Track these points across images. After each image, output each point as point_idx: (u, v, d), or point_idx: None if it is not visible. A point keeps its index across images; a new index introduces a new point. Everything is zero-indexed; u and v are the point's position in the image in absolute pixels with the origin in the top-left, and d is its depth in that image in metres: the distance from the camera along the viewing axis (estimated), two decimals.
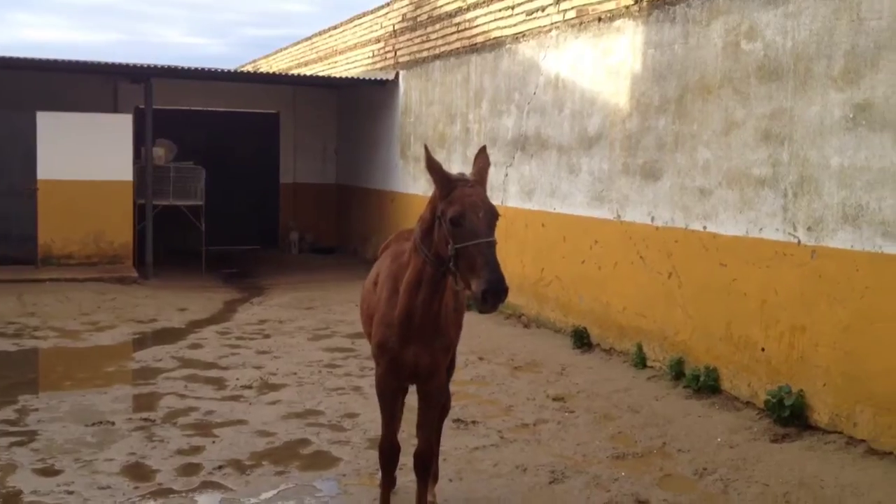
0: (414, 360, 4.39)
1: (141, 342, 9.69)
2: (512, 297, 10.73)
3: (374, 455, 6.00)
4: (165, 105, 15.44)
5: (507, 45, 10.75)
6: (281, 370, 8.40)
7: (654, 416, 6.98)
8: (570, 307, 9.46)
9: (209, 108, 16.88)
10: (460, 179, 4.15)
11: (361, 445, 6.27)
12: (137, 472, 5.70)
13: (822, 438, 6.20)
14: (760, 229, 6.80)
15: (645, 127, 8.17)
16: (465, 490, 5.49)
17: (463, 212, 3.95)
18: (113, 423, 6.66)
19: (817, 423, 6.30)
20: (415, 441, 4.79)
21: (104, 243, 13.48)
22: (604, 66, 8.84)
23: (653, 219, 8.04)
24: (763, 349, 6.78)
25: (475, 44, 11.52)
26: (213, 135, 16.82)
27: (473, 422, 6.85)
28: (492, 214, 4.03)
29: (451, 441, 6.33)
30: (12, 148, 13.15)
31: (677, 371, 7.66)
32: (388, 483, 4.78)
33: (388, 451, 4.66)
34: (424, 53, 13.12)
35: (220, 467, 5.80)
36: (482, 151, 4.29)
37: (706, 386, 7.29)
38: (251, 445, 6.25)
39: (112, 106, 15.15)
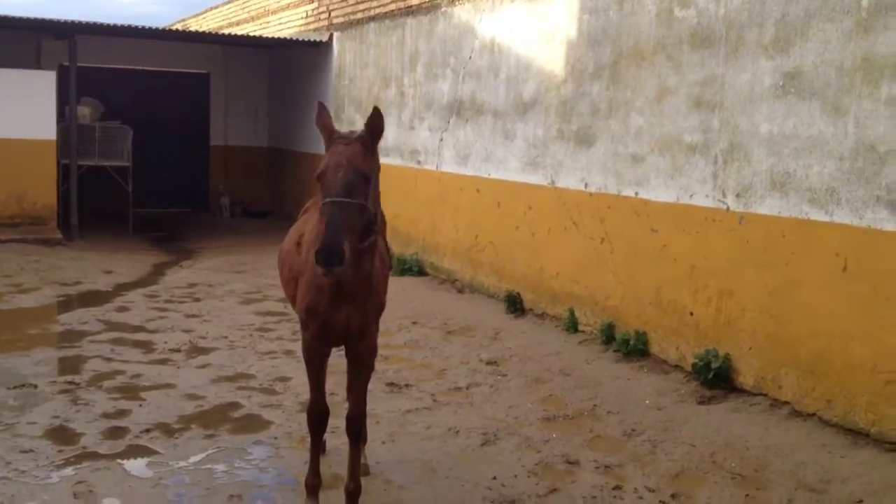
0: (346, 323, 4.26)
1: (65, 305, 9.42)
2: (446, 262, 10.80)
3: (303, 418, 5.97)
4: (92, 63, 14.94)
5: (443, 9, 10.65)
6: (211, 334, 8.27)
7: (585, 379, 7.07)
8: (504, 272, 9.50)
9: (138, 68, 16.37)
10: (342, 136, 4.05)
11: (293, 409, 6.21)
12: (61, 435, 5.56)
13: (748, 401, 6.36)
14: (691, 196, 6.89)
15: (579, 93, 8.19)
16: (398, 452, 5.49)
17: (324, 170, 3.92)
18: (35, 386, 6.47)
19: (743, 386, 6.45)
20: (344, 404, 4.73)
21: (27, 204, 13.01)
22: (539, 31, 8.82)
23: (586, 185, 8.09)
24: (692, 313, 6.90)
25: (411, 6, 11.38)
26: (142, 95, 16.32)
27: (406, 385, 6.85)
28: (353, 173, 3.86)
29: (383, 404, 6.33)
30: None
31: (608, 335, 7.77)
32: (318, 447, 4.68)
33: (317, 416, 4.54)
34: (359, 15, 12.92)
35: (147, 430, 5.70)
36: (374, 111, 4.07)
37: (636, 350, 7.41)
38: (179, 409, 6.15)
39: (34, 63, 14.56)
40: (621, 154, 7.65)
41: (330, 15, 14.02)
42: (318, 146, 14.24)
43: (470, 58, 10.05)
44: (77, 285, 10.39)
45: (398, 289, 10.58)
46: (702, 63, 6.75)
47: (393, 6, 11.84)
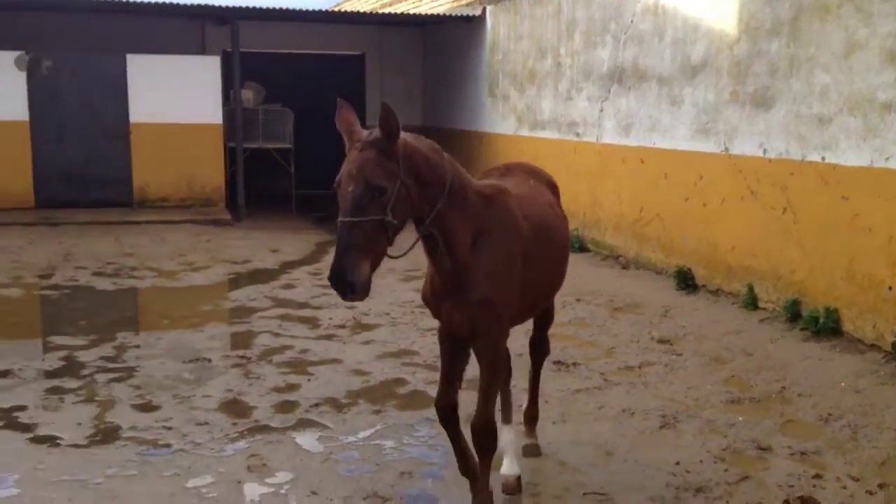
0: (448, 317, 3.97)
1: (235, 282, 9.67)
2: (608, 238, 10.40)
3: (472, 395, 5.80)
4: (251, 48, 15.32)
5: None
6: (373, 310, 8.23)
7: (770, 359, 6.57)
8: (673, 247, 9.02)
9: (296, 51, 16.69)
10: (359, 140, 3.53)
11: (464, 387, 6.04)
12: (235, 408, 5.61)
13: None
14: (887, 158, 6.24)
15: (755, 52, 7.60)
16: (570, 432, 5.23)
17: (338, 181, 3.50)
18: (210, 361, 6.60)
19: None
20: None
21: (197, 186, 13.56)
22: None
23: (765, 151, 7.52)
24: (890, 288, 6.28)
25: None
26: (300, 78, 16.64)
27: (574, 363, 6.57)
28: (364, 188, 3.41)
29: (551, 383, 6.07)
30: (104, 91, 13.24)
31: (793, 313, 7.21)
32: (454, 440, 4.13)
33: (440, 410, 4.09)
34: None
35: (316, 405, 5.67)
36: (383, 107, 3.47)
37: (826, 328, 6.83)
38: (347, 384, 6.10)
39: (200, 48, 15.09)
40: (805, 116, 7.04)
41: None
42: (471, 122, 14.12)
43: (632, 22, 9.57)
44: (246, 263, 10.66)
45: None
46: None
47: None
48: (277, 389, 5.97)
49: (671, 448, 4.99)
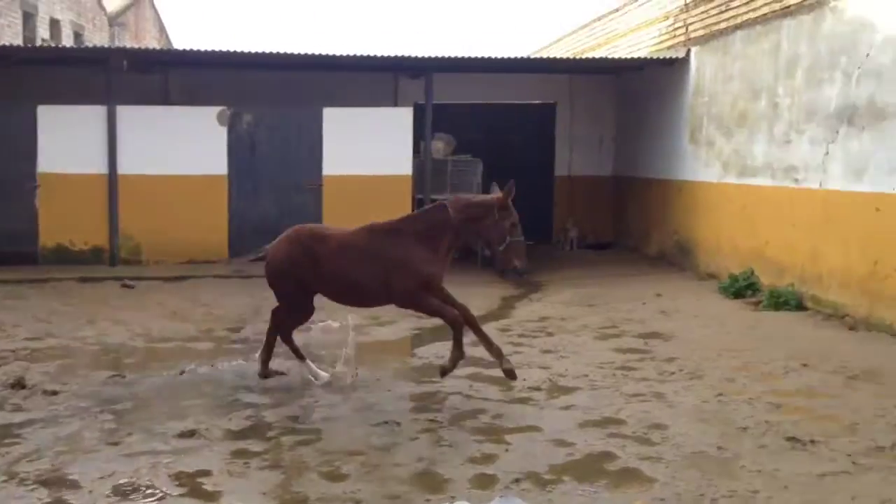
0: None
1: (421, 338, 9.29)
2: (832, 295, 9.26)
3: (695, 476, 5.05)
4: (442, 99, 15.26)
5: (831, 4, 9.24)
6: (570, 371, 7.60)
7: None
8: None
9: (487, 102, 16.51)
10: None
11: (677, 464, 5.30)
12: (428, 480, 5.11)
13: None
14: None
15: None
16: None
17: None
18: (399, 424, 6.16)
19: None
20: None
21: None
22: None
23: None
24: None
25: (789, 6, 10.07)
26: (490, 128, 16.42)
27: (812, 441, 5.65)
28: None
29: (788, 464, 5.21)
30: (299, 144, 13.46)
31: None
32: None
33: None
34: (722, 25, 11.80)
35: (517, 480, 5.07)
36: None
37: None
38: (548, 456, 5.48)
39: (392, 101, 15.17)
40: None
41: (687, 29, 13.02)
42: (668, 171, 13.28)
43: (868, 55, 8.55)
44: (429, 318, 10.27)
45: (775, 325, 9.29)
46: None
47: (766, 9, 10.60)
48: (472, 460, 5.43)
49: None
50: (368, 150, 13.08)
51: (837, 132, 9.07)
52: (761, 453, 5.47)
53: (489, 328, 9.64)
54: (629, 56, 15.04)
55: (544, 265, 14.77)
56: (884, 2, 8.37)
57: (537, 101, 16.79)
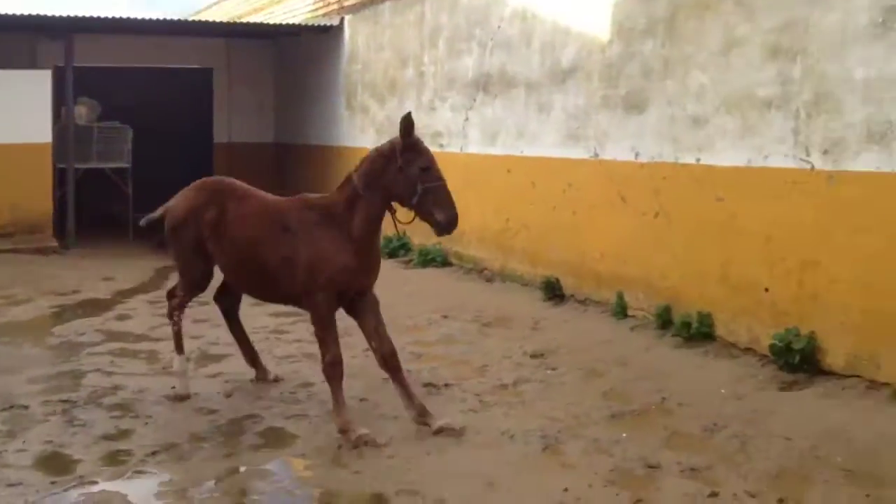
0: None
1: (61, 315, 8.62)
2: (473, 251, 9.97)
3: (333, 429, 5.19)
4: (89, 62, 14.17)
5: None
6: (222, 339, 7.46)
7: (646, 368, 6.27)
8: (540, 257, 8.68)
9: (137, 66, 15.58)
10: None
11: (321, 419, 5.41)
12: (55, 463, 4.76)
13: (839, 384, 5.55)
14: (766, 157, 6.06)
15: (628, 54, 7.35)
16: (447, 464, 4.67)
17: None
18: (27, 407, 5.66)
19: (832, 368, 5.64)
20: None
21: (20, 212, 12.21)
22: None
23: (637, 154, 7.27)
24: (767, 290, 6.08)
25: None
26: (142, 93, 15.53)
27: (446, 385, 6.06)
28: None
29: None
30: None
31: (664, 319, 6.96)
32: None
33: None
34: None
35: (153, 453, 4.89)
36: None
37: (699, 333, 6.60)
38: (190, 425, 5.35)
39: (31, 65, 13.78)
40: (679, 117, 6.82)
41: None
42: (328, 137, 13.43)
43: (499, 27, 9.21)
44: (74, 294, 9.60)
45: (422, 281, 9.81)
46: (780, 6, 5.92)
47: None
48: (107, 437, 5.15)
49: (557, 473, 4.53)
50: (2, 115, 11.79)
51: (475, 100, 9.72)
52: (400, 400, 5.75)
53: (139, 301, 9.25)
54: (285, 23, 14.96)
55: None
56: None
57: (193, 66, 16.16)
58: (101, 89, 14.04)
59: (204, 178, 6.14)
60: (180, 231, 5.82)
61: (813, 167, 5.68)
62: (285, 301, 5.76)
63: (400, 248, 11.31)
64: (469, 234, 10.00)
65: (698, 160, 6.63)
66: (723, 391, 5.71)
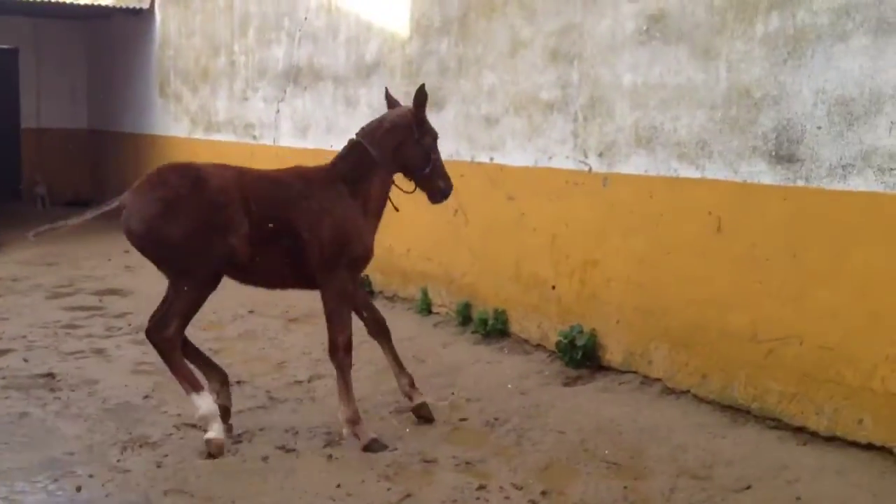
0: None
1: None
2: None
3: (112, 428, 5.01)
4: None
5: None
6: (7, 333, 7.07)
7: (442, 364, 6.39)
8: None
9: None
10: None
11: (98, 417, 5.21)
12: None
13: (617, 379, 5.85)
14: (550, 158, 6.30)
15: (426, 51, 7.47)
16: (222, 465, 4.59)
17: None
18: None
19: (611, 364, 5.94)
20: None
21: None
22: None
23: None
24: (553, 287, 6.33)
25: None
26: None
27: (239, 382, 5.95)
28: None
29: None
30: None
31: (465, 316, 7.12)
32: None
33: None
34: None
35: None
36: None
37: (495, 330, 6.79)
38: None
39: None
40: (474, 116, 6.99)
41: None
42: (141, 125, 12.92)
43: (306, 19, 9.14)
44: None
45: (230, 281, 9.61)
46: (558, 11, 6.16)
47: None
48: None
49: (334, 469, 4.54)
50: None
51: (285, 91, 9.61)
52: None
53: None
54: (95, 3, 14.24)
55: (10, 226, 13.51)
56: None
57: None
58: None
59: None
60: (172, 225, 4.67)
61: (591, 169, 5.96)
62: (297, 284, 5.18)
63: None
64: None
65: (492, 159, 6.83)
66: (510, 386, 5.90)
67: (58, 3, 14.24)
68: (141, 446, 4.78)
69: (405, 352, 6.62)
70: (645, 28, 5.50)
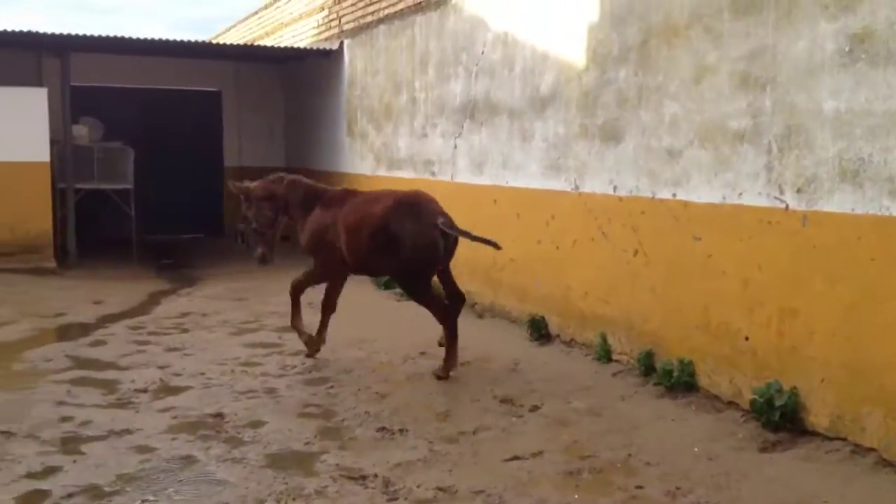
0: None
1: (35, 339, 8.43)
2: (465, 284, 9.60)
3: (269, 476, 4.86)
4: (95, 82, 14.16)
5: (452, 2, 9.56)
6: (188, 370, 7.21)
7: (619, 419, 5.86)
8: (527, 293, 8.32)
9: (144, 86, 15.52)
10: None
11: (257, 464, 5.09)
12: None
13: (822, 446, 5.10)
14: (740, 194, 5.67)
15: (604, 81, 7.02)
16: None
17: None
18: None
19: (815, 428, 5.19)
20: None
21: (20, 231, 12.14)
22: (557, 14, 7.68)
23: (615, 188, 6.90)
24: (747, 338, 5.66)
25: (419, 3, 10.31)
26: (149, 114, 15.51)
27: (401, 430, 5.69)
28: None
29: (371, 456, 5.18)
30: None
31: (647, 365, 6.55)
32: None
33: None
34: (369, 18, 11.90)
35: (70, 495, 4.60)
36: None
37: (681, 382, 6.17)
38: (120, 465, 5.05)
39: (36, 82, 13.77)
40: (654, 149, 6.45)
41: (340, 21, 13.03)
42: (331, 162, 13.19)
43: (483, 53, 8.93)
44: (58, 317, 9.43)
45: (412, 316, 9.45)
46: (747, 33, 5.55)
47: (402, 5, 10.79)
48: (31, 475, 4.88)
49: None
50: None
51: (462, 126, 9.42)
52: (351, 445, 5.43)
53: (121, 326, 9.02)
54: (290, 46, 14.83)
55: (210, 260, 14.19)
56: (493, 1, 8.77)
57: (200, 89, 16.09)
58: (109, 109, 14.01)
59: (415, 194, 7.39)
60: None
61: (787, 206, 5.27)
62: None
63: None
64: (461, 267, 9.65)
65: (674, 195, 6.25)
66: (696, 449, 5.28)
67: (258, 48, 14.99)
68: (294, 499, 4.59)
69: (579, 404, 6.20)
70: (847, 49, 4.81)
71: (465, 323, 8.97)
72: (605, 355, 7.06)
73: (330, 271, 7.45)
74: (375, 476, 4.87)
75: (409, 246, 6.77)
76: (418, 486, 4.75)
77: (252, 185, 7.65)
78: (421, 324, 8.96)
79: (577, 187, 7.41)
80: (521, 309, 8.38)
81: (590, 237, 7.22)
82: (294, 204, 7.52)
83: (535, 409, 6.12)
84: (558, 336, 7.79)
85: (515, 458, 5.17)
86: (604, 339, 7.09)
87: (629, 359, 6.80)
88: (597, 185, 7.12)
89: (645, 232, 6.57)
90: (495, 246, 6.87)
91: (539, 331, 7.95)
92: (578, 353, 7.47)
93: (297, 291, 7.58)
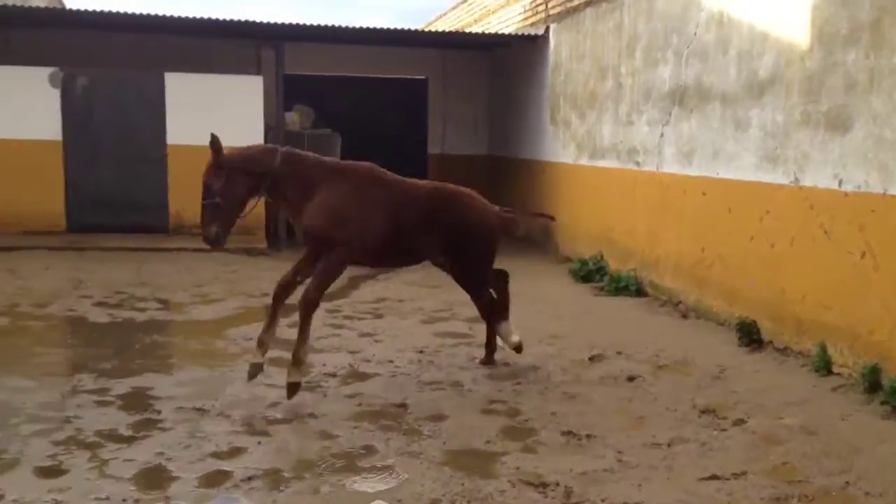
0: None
1: (240, 318, 8.75)
2: (668, 281, 9.04)
3: (446, 475, 4.67)
4: (308, 70, 14.64)
5: None
6: (377, 357, 7.19)
7: (837, 441, 5.21)
8: (736, 294, 7.67)
9: (355, 75, 15.93)
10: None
11: (436, 460, 4.91)
12: (152, 478, 4.60)
13: None
14: None
15: (830, 64, 6.28)
16: None
17: None
18: (159, 412, 5.64)
19: None
20: None
21: None
22: None
23: (840, 182, 6.16)
24: None
25: None
26: (358, 102, 15.89)
27: (588, 436, 5.33)
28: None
29: (554, 461, 4.87)
30: (139, 110, 12.66)
31: (871, 382, 5.82)
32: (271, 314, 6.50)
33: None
34: (576, 1, 11.49)
35: (250, 478, 4.61)
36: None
37: None
38: (302, 451, 5.03)
39: (256, 71, 14.45)
40: (888, 140, 5.68)
41: (547, 6, 12.70)
42: (532, 151, 12.95)
43: (695, 34, 8.30)
44: (263, 297, 9.72)
45: (609, 311, 9.04)
46: None
47: None
48: (216, 455, 4.95)
49: None
50: (216, 119, 12.35)
51: (670, 114, 8.84)
52: (533, 447, 5.15)
53: (319, 309, 9.13)
54: (497, 32, 14.67)
55: None
56: None
57: (407, 77, 16.29)
58: (321, 97, 14.46)
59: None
60: None
61: None
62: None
63: (596, 273, 10.60)
64: (664, 262, 9.13)
65: None
66: None
67: (462, 34, 14.95)
68: (469, 502, 4.36)
69: (792, 420, 5.58)
70: None
71: (668, 322, 8.48)
72: (824, 367, 6.35)
73: (354, 255, 6.26)
74: (557, 485, 4.56)
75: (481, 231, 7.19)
76: (602, 500, 4.39)
77: (229, 151, 6.20)
78: (619, 320, 8.54)
79: (796, 180, 6.70)
80: (730, 311, 7.75)
81: (810, 236, 6.51)
82: (293, 182, 6.12)
83: (739, 422, 5.57)
84: (771, 343, 7.12)
85: (714, 477, 4.69)
86: (823, 350, 6.38)
87: (852, 373, 6.07)
88: (819, 178, 6.40)
89: (874, 232, 5.80)
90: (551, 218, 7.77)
91: (749, 336, 7.31)
92: (793, 362, 6.78)
93: (314, 307, 6.27)
